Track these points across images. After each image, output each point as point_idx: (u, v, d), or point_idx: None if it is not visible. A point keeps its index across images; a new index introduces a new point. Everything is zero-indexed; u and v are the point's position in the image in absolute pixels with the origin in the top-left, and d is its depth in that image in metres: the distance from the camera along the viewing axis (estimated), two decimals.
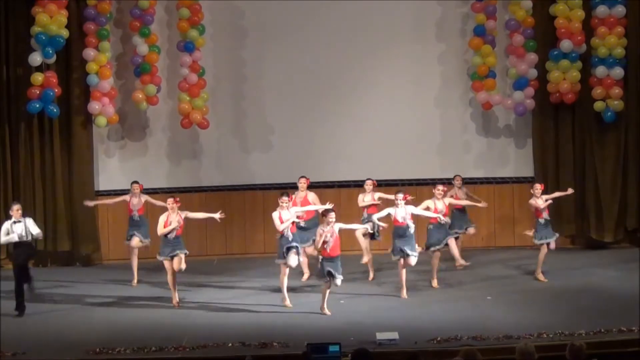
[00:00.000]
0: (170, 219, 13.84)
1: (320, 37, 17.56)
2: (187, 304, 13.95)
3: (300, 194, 15.32)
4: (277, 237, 13.87)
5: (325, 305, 13.23)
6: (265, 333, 12.16)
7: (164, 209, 14.09)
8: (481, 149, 17.86)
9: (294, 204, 14.99)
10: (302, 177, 15.45)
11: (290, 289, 14.00)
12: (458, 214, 15.73)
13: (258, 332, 12.23)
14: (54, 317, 13.58)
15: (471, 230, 15.81)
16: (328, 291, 13.24)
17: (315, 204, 15.08)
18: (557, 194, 15.39)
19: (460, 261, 15.01)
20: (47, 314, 13.69)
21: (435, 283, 14.76)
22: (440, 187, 14.92)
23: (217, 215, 14.09)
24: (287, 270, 13.66)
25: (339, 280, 13.16)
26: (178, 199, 14.09)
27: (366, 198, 15.24)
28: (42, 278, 16.01)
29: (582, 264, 16.21)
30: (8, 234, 13.85)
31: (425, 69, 17.70)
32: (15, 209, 13.91)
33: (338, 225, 13.20)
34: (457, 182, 15.97)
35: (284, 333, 12.16)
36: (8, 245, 14.96)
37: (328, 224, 13.13)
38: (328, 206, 13.92)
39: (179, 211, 13.94)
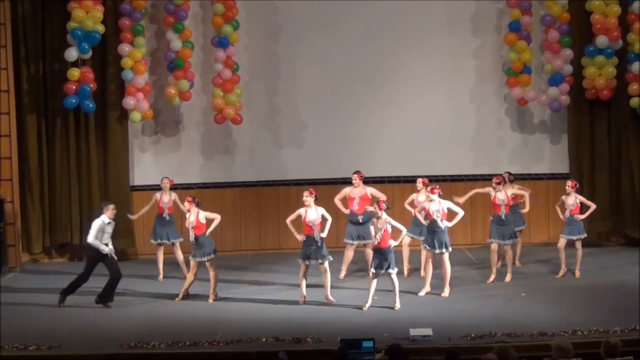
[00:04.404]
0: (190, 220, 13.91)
1: (354, 33, 17.55)
2: (221, 299, 13.99)
3: (355, 191, 14.99)
4: (300, 238, 13.66)
5: (369, 301, 13.18)
6: (299, 328, 12.16)
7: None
8: (516, 144, 17.80)
9: (350, 201, 14.92)
10: (356, 172, 15.10)
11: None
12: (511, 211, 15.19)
13: (291, 327, 12.24)
14: (89, 311, 13.64)
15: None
16: (374, 285, 13.18)
17: (375, 197, 14.59)
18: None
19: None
20: (83, 308, 13.75)
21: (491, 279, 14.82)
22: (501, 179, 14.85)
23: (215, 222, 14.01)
24: (306, 269, 13.58)
25: (392, 273, 13.11)
26: (191, 199, 13.99)
27: (420, 198, 14.71)
28: (77, 272, 16.16)
29: (618, 260, 16.13)
30: (102, 232, 13.77)
31: (460, 64, 17.66)
32: (112, 209, 13.84)
33: (389, 218, 13.13)
34: (507, 178, 15.75)
35: (317, 328, 12.14)
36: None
37: (378, 217, 13.11)
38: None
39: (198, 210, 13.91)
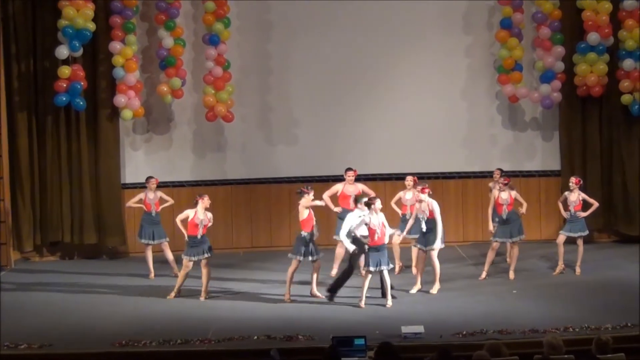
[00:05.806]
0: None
1: (346, 30, 17.53)
2: (213, 297, 13.97)
3: (349, 188, 14.96)
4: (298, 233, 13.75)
5: (363, 298, 13.18)
6: (291, 326, 12.15)
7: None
8: (508, 142, 17.80)
9: (345, 199, 14.88)
10: (349, 169, 15.11)
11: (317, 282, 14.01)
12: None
13: (283, 325, 12.22)
14: (80, 309, 13.62)
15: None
16: (367, 282, 13.20)
17: (366, 194, 14.59)
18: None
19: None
20: (74, 306, 13.75)
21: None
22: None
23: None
24: (298, 265, 13.64)
25: (385, 270, 13.14)
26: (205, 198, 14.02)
27: (407, 195, 14.88)
28: (68, 270, 16.16)
29: (609, 257, 16.17)
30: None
31: (452, 61, 17.65)
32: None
33: (382, 216, 13.18)
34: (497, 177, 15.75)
35: (309, 326, 12.14)
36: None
37: (377, 212, 13.10)
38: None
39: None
